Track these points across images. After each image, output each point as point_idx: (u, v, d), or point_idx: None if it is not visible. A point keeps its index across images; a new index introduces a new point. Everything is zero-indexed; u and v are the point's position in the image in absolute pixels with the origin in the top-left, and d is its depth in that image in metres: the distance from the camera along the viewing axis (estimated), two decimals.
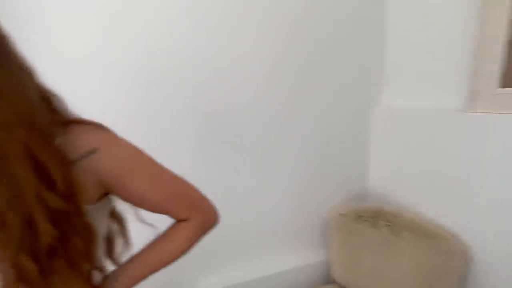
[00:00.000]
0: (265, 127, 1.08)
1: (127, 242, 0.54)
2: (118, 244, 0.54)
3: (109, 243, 0.52)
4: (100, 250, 0.48)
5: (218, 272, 1.09)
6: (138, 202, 0.47)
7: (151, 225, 0.51)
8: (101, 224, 0.47)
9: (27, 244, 0.36)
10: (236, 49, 0.98)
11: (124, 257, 0.53)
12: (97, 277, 0.46)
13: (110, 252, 0.53)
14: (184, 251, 0.52)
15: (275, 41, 1.02)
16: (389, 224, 1.05)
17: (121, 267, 0.51)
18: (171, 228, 0.52)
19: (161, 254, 0.51)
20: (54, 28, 0.79)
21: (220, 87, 0.99)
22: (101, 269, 0.47)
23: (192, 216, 0.51)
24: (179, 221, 0.52)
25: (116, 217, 0.52)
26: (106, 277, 0.49)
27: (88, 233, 0.41)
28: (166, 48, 0.90)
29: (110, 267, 0.51)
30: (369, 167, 1.28)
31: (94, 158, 0.40)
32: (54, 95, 0.42)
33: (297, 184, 1.17)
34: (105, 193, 0.45)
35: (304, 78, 1.10)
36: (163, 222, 0.51)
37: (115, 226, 0.53)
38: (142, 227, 0.50)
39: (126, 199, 0.46)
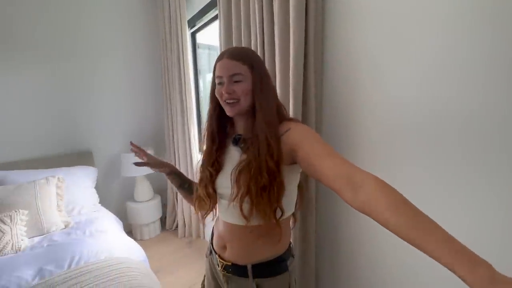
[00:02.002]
0: None
1: (301, 205, 0.87)
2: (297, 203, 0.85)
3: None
4: (286, 199, 0.76)
5: None
6: (311, 159, 0.64)
7: None
8: (289, 184, 0.75)
9: (255, 178, 0.70)
10: None
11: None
12: (278, 214, 0.74)
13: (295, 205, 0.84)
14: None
15: None
16: None
17: None
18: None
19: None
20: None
21: None
22: (282, 210, 0.75)
23: (358, 171, 0.55)
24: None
25: (299, 188, 0.85)
26: None
27: (280, 186, 0.72)
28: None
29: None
30: None
31: (287, 134, 0.71)
32: (281, 104, 0.80)
33: None
34: (293, 162, 0.72)
35: None
36: None
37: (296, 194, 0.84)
38: None
39: (304, 159, 0.66)
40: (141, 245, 1.71)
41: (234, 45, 1.44)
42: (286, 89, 1.14)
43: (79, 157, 2.32)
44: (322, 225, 1.25)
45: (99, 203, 2.17)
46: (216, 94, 0.78)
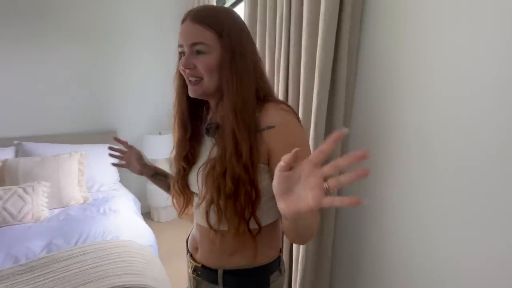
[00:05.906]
0: None
1: None
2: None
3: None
4: (268, 205, 0.61)
5: None
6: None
7: None
8: (264, 184, 0.59)
9: (220, 183, 0.56)
10: None
11: None
12: (252, 224, 0.59)
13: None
14: None
15: None
16: None
17: None
18: None
19: None
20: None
21: None
22: (258, 222, 0.59)
23: None
24: None
25: None
26: None
27: (250, 194, 0.56)
28: None
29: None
30: None
31: (270, 132, 0.55)
32: (268, 87, 0.62)
33: None
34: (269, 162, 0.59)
35: None
36: None
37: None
38: None
39: (272, 168, 0.56)
40: (156, 227, 1.69)
41: (258, 19, 1.26)
42: (312, 72, 0.95)
43: (104, 135, 2.37)
44: (341, 235, 1.07)
45: (120, 181, 2.21)
46: (179, 67, 0.61)
